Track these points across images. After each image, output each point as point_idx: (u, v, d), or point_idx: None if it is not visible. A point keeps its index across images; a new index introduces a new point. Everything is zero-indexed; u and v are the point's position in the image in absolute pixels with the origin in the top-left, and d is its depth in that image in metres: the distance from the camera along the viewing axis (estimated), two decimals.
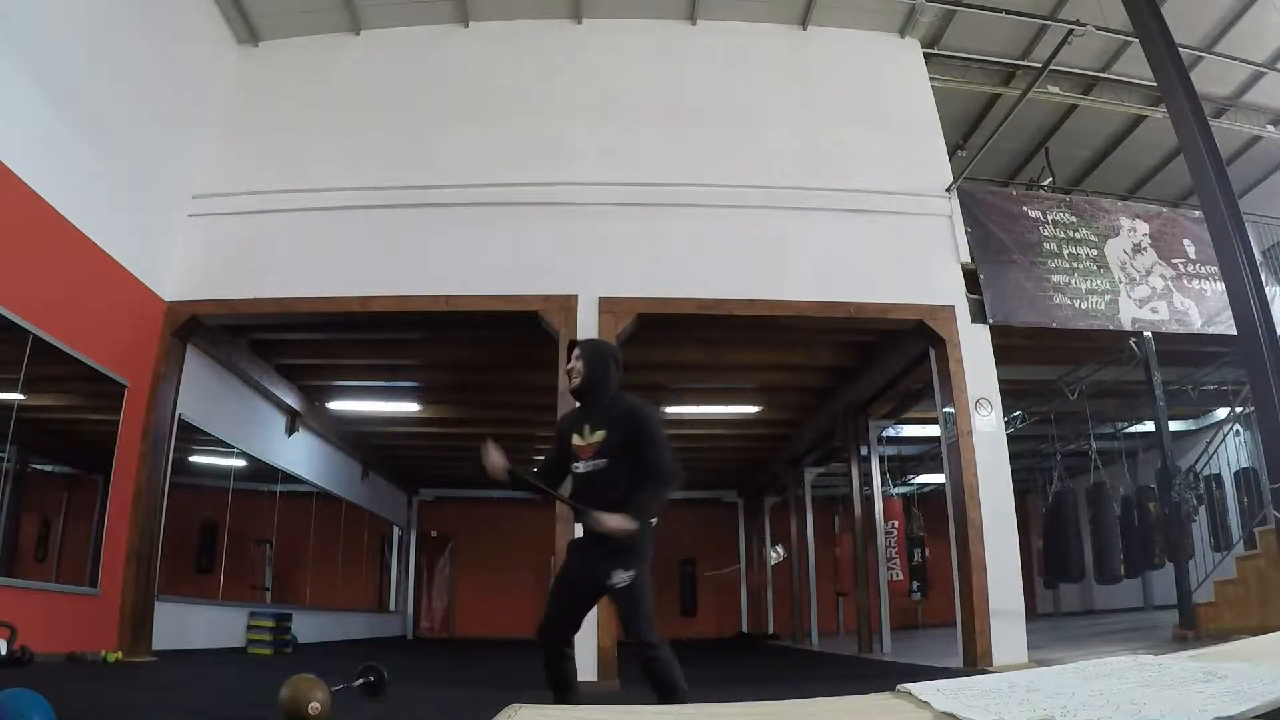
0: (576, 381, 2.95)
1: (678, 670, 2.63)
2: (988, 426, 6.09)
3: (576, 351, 3.00)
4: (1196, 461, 8.00)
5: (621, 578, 2.70)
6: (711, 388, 9.39)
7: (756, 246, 6.48)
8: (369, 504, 13.05)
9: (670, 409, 10.06)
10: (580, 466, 2.87)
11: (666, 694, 2.62)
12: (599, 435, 2.85)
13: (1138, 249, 6.97)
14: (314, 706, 2.80)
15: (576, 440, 2.90)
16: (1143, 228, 7.09)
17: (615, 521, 2.65)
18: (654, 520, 2.80)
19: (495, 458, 2.83)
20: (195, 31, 6.84)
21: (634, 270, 6.30)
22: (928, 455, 12.09)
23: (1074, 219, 6.99)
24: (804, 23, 7.36)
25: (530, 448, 11.49)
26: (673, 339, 7.32)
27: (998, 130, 6.63)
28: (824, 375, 8.86)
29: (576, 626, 2.90)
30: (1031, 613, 6.94)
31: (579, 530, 2.99)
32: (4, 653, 4.29)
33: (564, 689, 2.83)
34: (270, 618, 7.94)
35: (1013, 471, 6.23)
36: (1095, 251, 6.87)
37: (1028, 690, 0.99)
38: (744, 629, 15.30)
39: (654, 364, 7.95)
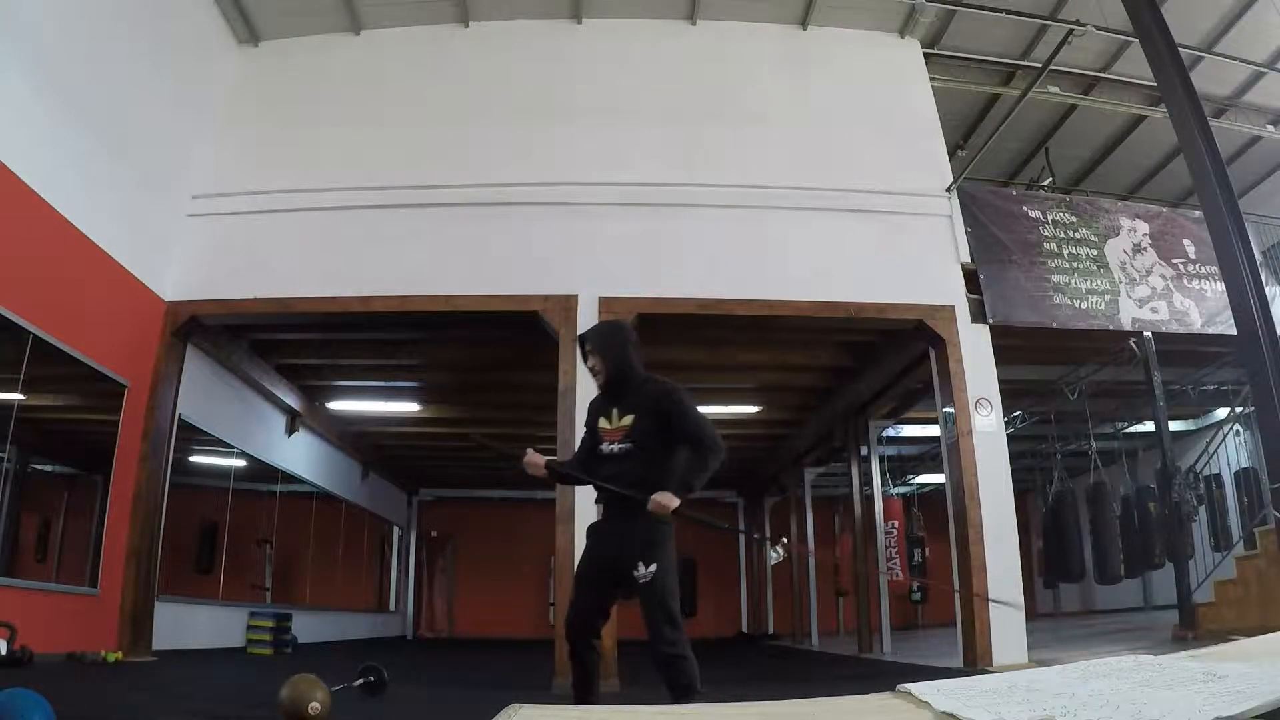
0: (601, 379, 2.95)
1: (697, 672, 2.58)
2: (988, 426, 6.09)
3: (589, 346, 2.97)
4: (1196, 461, 7.99)
5: (644, 571, 2.67)
6: (711, 388, 9.37)
7: (757, 246, 6.48)
8: (369, 504, 13.05)
9: None
10: (605, 449, 2.87)
11: (682, 694, 2.57)
12: (628, 419, 2.84)
13: (1138, 249, 6.97)
14: (314, 706, 2.80)
15: (604, 424, 2.90)
16: (1143, 228, 7.09)
17: (663, 499, 2.65)
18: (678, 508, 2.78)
19: (534, 457, 2.88)
20: (195, 31, 6.84)
21: (634, 270, 6.30)
22: (928, 455, 12.08)
23: (1074, 219, 6.99)
24: (804, 23, 7.36)
25: (530, 447, 11.46)
26: (673, 339, 7.31)
27: (998, 130, 6.63)
28: (824, 375, 8.85)
29: (604, 617, 2.86)
30: (1031, 613, 6.94)
31: (592, 513, 2.96)
32: (4, 653, 4.29)
33: (586, 686, 2.80)
34: (270, 618, 7.94)
35: (1013, 471, 6.23)
36: (1095, 251, 6.87)
37: (1028, 690, 0.99)
38: (744, 629, 15.30)
39: (654, 364, 7.86)
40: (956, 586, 5.89)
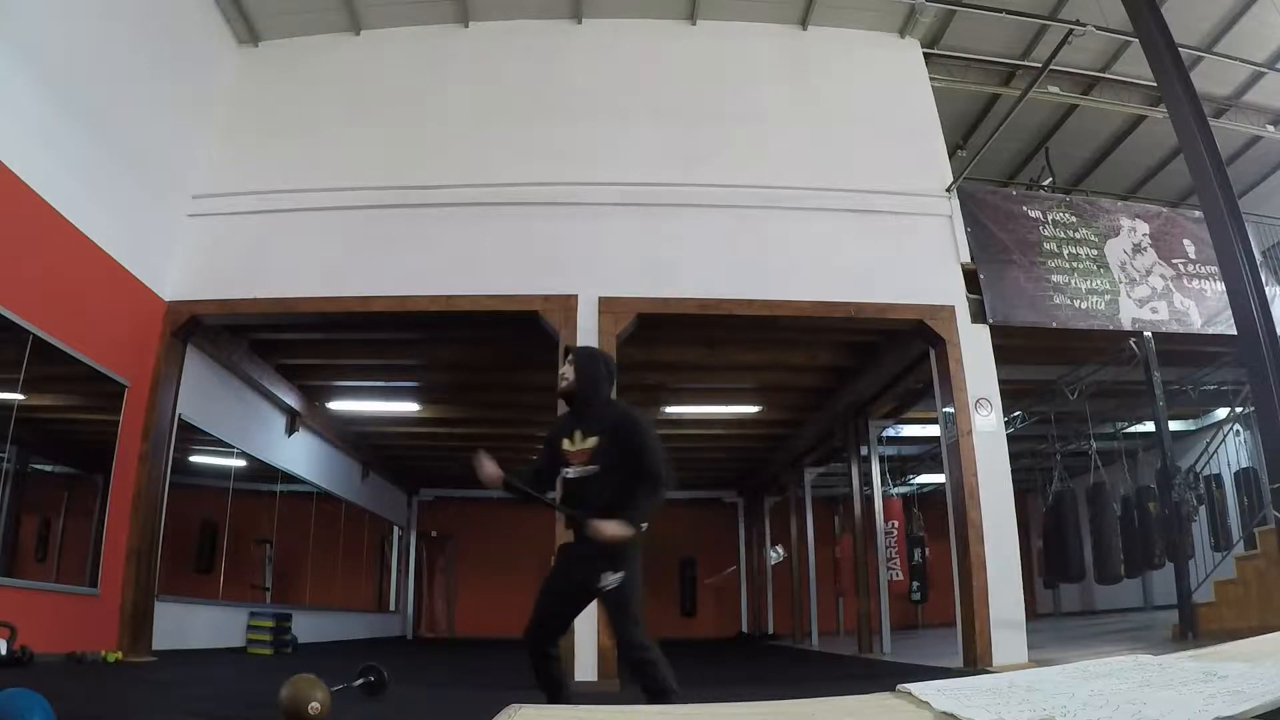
0: (564, 385, 2.96)
1: (668, 671, 2.61)
2: (988, 426, 6.09)
3: (570, 357, 3.02)
4: (1196, 461, 7.99)
5: (610, 580, 2.70)
6: (711, 388, 9.39)
7: (756, 246, 6.48)
8: (369, 504, 13.05)
9: (670, 409, 10.06)
10: (570, 472, 2.85)
11: (657, 696, 2.60)
12: (591, 442, 2.83)
13: (1138, 249, 6.97)
14: (314, 706, 2.80)
15: (567, 445, 2.88)
16: (1143, 228, 7.09)
17: (612, 529, 2.64)
18: (644, 524, 2.79)
19: (489, 468, 2.83)
20: (195, 31, 6.84)
21: (634, 270, 6.30)
22: (928, 455, 12.08)
23: (1074, 219, 6.99)
24: (804, 23, 7.37)
25: (529, 448, 11.48)
26: (673, 339, 7.31)
27: (998, 130, 6.63)
28: (824, 375, 8.86)
29: (563, 630, 2.91)
30: (1031, 613, 6.94)
31: (568, 534, 2.97)
32: (4, 653, 4.29)
33: (556, 688, 2.83)
34: (270, 618, 7.94)
35: (1013, 471, 6.23)
36: (1095, 251, 6.87)
37: (1028, 690, 0.99)
38: (744, 629, 15.30)
39: (654, 364, 7.95)
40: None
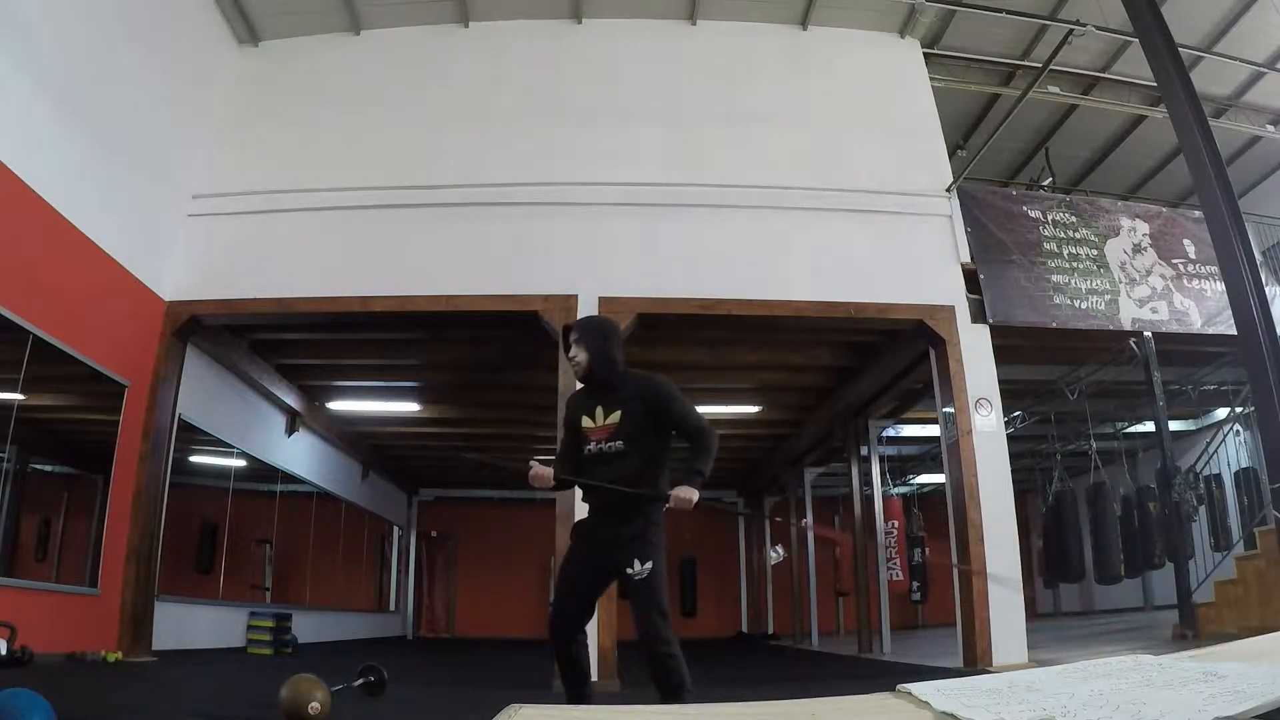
0: (580, 370, 2.85)
1: (686, 671, 2.60)
2: (988, 426, 6.09)
3: (575, 335, 2.90)
4: (1196, 461, 7.99)
5: (639, 569, 2.66)
6: (711, 388, 9.38)
7: (756, 246, 6.48)
8: (369, 504, 13.05)
9: None
10: (592, 449, 2.80)
11: (671, 694, 2.58)
12: (614, 417, 2.77)
13: (1138, 249, 6.97)
14: (314, 706, 2.80)
15: (587, 423, 2.82)
16: (1143, 228, 7.09)
17: (684, 493, 2.66)
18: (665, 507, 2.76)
19: (540, 470, 2.79)
20: (195, 31, 6.83)
21: (634, 270, 6.30)
22: (928, 455, 12.08)
23: (1074, 219, 6.99)
24: (804, 23, 7.37)
25: (529, 448, 11.48)
26: (673, 339, 7.31)
27: (998, 130, 6.63)
28: (824, 375, 8.86)
29: (589, 615, 2.84)
30: (1031, 613, 6.94)
31: (582, 512, 2.93)
32: (4, 653, 4.29)
33: (579, 677, 2.78)
34: (270, 618, 7.94)
35: (1013, 471, 6.23)
36: (1095, 251, 6.87)
37: (1028, 690, 0.99)
38: (743, 629, 15.30)
39: (654, 364, 7.88)
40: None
